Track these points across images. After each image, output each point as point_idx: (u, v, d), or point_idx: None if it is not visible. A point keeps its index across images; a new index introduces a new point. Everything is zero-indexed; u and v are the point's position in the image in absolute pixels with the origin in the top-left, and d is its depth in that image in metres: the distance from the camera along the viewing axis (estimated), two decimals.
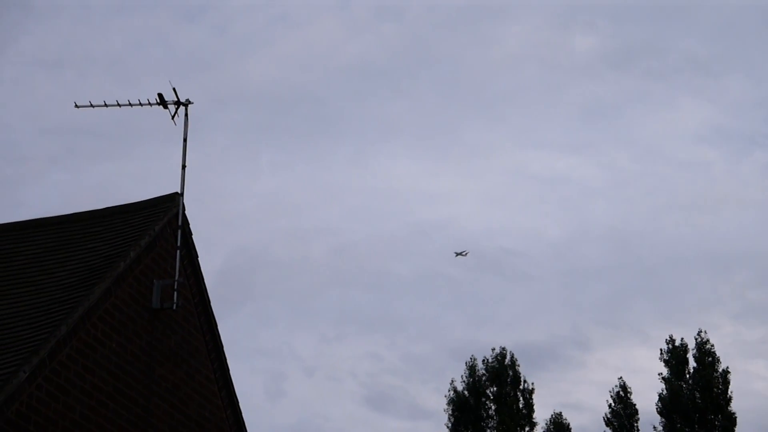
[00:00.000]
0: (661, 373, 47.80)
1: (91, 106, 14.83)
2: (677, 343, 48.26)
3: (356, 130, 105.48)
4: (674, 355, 47.92)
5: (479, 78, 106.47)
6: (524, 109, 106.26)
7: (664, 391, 47.27)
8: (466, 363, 50.48)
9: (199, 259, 14.77)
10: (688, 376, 47.56)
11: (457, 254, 68.63)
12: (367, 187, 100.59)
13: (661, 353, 48.27)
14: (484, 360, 50.45)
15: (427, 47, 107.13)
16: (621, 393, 48.87)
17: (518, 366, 50.33)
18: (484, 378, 49.94)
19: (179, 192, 14.59)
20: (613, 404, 48.69)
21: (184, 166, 14.57)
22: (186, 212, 14.58)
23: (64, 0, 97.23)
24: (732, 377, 47.05)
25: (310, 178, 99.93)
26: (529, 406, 49.62)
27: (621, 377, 49.40)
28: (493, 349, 50.55)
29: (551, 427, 49.20)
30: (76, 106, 14.79)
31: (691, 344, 48.09)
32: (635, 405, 48.55)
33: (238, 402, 15.08)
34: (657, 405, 47.24)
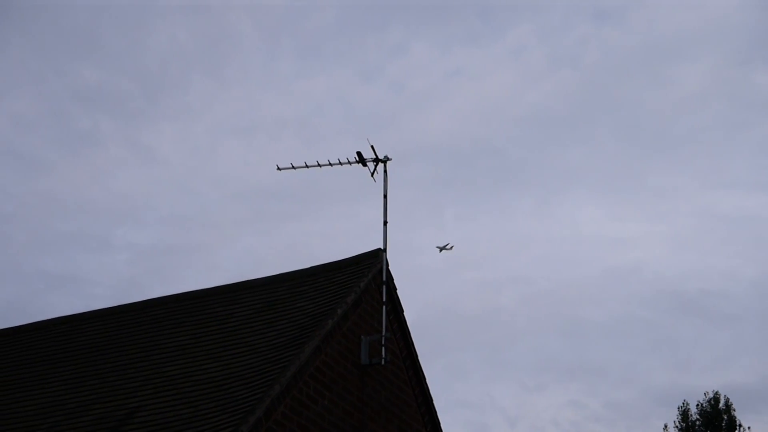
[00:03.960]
0: None
1: (292, 167, 15.09)
2: None
3: (538, 178, 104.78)
4: None
5: (660, 119, 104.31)
6: (709, 149, 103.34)
7: None
8: (678, 408, 48.99)
9: (404, 313, 14.83)
10: None
11: (441, 249, 65.82)
12: (553, 235, 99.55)
13: None
14: (697, 404, 48.83)
15: (605, 92, 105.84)
16: None
17: (734, 410, 48.46)
18: (698, 423, 48.29)
19: (382, 248, 14.70)
20: None
21: (385, 223, 14.65)
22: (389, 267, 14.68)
23: (250, 67, 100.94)
24: None
25: (495, 229, 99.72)
26: None
27: None
28: (706, 393, 48.94)
29: None
30: (278, 168, 15.07)
31: None
32: None
33: None
34: None
